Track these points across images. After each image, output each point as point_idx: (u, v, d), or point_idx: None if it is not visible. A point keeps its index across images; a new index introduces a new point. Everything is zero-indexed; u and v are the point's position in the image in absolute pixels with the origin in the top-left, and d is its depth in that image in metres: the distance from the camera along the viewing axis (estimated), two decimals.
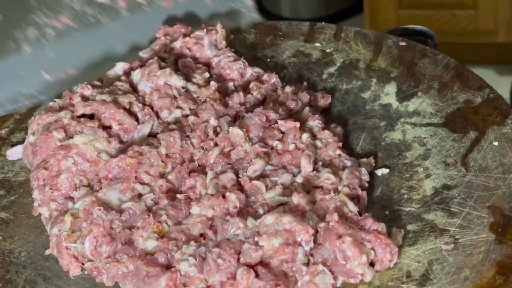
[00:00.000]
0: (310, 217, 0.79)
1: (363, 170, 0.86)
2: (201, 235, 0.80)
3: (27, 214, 0.89)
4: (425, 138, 0.91)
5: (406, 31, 1.14)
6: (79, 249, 0.81)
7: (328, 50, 1.09)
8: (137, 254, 0.79)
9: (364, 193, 0.84)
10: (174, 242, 0.79)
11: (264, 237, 0.76)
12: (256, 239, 0.77)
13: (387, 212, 0.83)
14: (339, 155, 0.88)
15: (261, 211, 0.81)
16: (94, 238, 0.80)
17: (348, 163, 0.87)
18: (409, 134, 0.92)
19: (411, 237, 0.79)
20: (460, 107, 0.94)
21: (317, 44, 1.10)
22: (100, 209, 0.82)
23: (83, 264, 0.81)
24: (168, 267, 0.77)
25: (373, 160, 0.88)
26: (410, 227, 0.81)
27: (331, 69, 1.05)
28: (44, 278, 0.82)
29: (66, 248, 0.81)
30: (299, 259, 0.75)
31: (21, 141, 1.00)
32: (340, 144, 0.89)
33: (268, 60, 1.09)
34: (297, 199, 0.81)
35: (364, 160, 0.88)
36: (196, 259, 0.76)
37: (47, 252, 0.83)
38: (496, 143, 0.87)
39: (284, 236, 0.76)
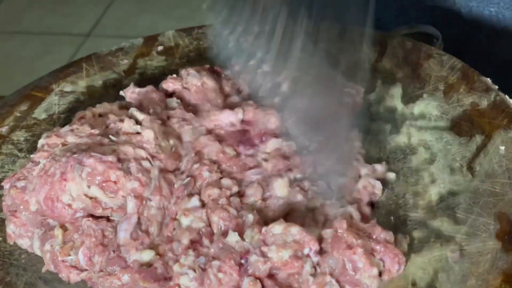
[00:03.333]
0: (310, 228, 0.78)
1: (378, 184, 0.85)
2: (197, 242, 0.79)
3: None
4: (430, 141, 0.90)
5: (412, 30, 1.12)
6: (75, 260, 0.79)
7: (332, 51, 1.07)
8: (130, 265, 0.77)
9: (369, 209, 0.83)
10: (170, 247, 0.78)
11: (273, 249, 0.74)
12: (263, 249, 0.75)
13: (392, 218, 0.82)
14: (357, 159, 0.87)
15: (250, 217, 0.80)
16: (87, 249, 0.79)
17: (364, 170, 0.86)
18: (414, 138, 0.91)
19: (416, 244, 0.78)
20: (466, 110, 0.93)
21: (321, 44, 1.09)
22: (89, 220, 0.80)
23: (82, 271, 0.80)
24: (166, 279, 0.76)
25: (386, 167, 0.87)
26: (415, 233, 0.80)
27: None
28: (45, 281, 0.81)
29: (63, 261, 0.80)
30: (306, 271, 0.74)
31: (22, 140, 0.99)
32: (363, 151, 0.89)
33: None
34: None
35: (378, 167, 0.87)
36: (195, 271, 0.75)
37: (44, 269, 0.81)
38: (502, 148, 0.86)
39: (293, 248, 0.74)
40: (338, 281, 0.74)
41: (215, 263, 0.74)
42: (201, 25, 1.16)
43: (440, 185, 0.84)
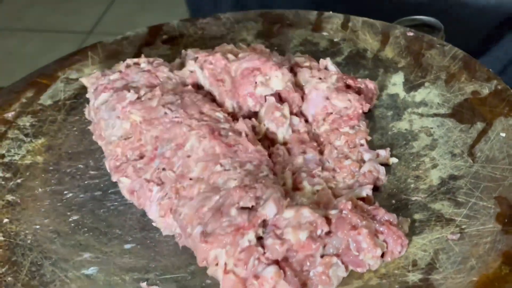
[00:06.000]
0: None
1: (382, 170, 0.86)
2: None
3: (34, 197, 0.89)
4: (432, 128, 0.91)
5: (414, 22, 1.14)
6: None
7: (335, 40, 1.09)
8: None
9: (370, 192, 0.84)
10: None
11: (289, 231, 0.74)
12: (277, 232, 0.74)
13: (394, 201, 0.83)
14: (362, 145, 0.88)
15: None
16: None
17: (367, 155, 0.87)
18: (416, 124, 0.92)
19: (417, 226, 0.79)
20: (467, 98, 0.94)
21: (325, 33, 1.10)
22: None
23: None
24: None
25: (390, 152, 0.88)
26: (416, 216, 0.81)
27: (339, 59, 1.05)
28: (50, 261, 0.82)
29: None
30: (318, 252, 0.74)
31: (28, 125, 1.00)
32: (369, 137, 0.90)
33: (276, 48, 1.08)
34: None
35: (382, 153, 0.88)
36: None
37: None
38: (503, 134, 0.87)
39: (309, 229, 0.74)
40: (342, 262, 0.75)
41: None
42: (206, 15, 1.17)
43: (441, 170, 0.85)
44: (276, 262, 0.73)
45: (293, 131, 0.89)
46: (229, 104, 0.92)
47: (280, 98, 0.92)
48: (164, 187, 0.83)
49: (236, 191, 0.76)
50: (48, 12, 3.00)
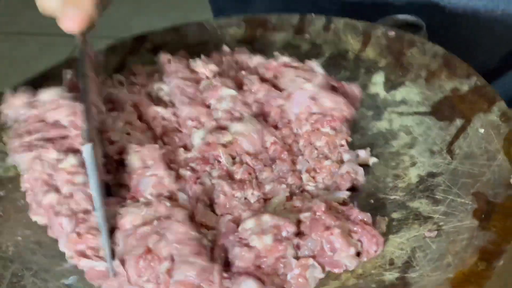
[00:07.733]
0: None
1: (360, 171, 0.86)
2: None
3: (16, 209, 0.90)
4: (411, 126, 0.91)
5: (396, 21, 1.13)
6: None
7: (317, 42, 1.09)
8: None
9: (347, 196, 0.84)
10: None
11: (254, 237, 0.75)
12: (244, 242, 0.75)
13: (372, 201, 0.83)
14: (342, 145, 0.88)
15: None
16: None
17: (347, 156, 0.87)
18: (395, 123, 0.92)
19: (395, 225, 0.79)
20: (447, 96, 0.94)
21: (307, 36, 1.10)
22: None
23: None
24: None
25: (370, 153, 0.88)
26: (394, 215, 0.80)
27: (320, 61, 1.04)
28: (31, 272, 0.82)
29: None
30: (290, 253, 0.74)
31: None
32: (350, 139, 0.90)
33: (258, 53, 1.08)
34: None
35: (362, 153, 0.88)
36: None
37: None
38: (482, 130, 0.87)
39: (272, 232, 0.75)
40: (318, 263, 0.75)
41: None
42: (188, 23, 1.18)
43: (420, 168, 0.85)
44: (252, 275, 0.73)
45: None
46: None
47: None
48: (74, 218, 0.82)
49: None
50: (42, 16, 3.01)
